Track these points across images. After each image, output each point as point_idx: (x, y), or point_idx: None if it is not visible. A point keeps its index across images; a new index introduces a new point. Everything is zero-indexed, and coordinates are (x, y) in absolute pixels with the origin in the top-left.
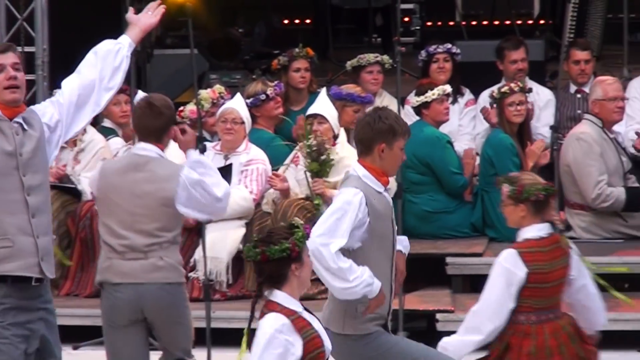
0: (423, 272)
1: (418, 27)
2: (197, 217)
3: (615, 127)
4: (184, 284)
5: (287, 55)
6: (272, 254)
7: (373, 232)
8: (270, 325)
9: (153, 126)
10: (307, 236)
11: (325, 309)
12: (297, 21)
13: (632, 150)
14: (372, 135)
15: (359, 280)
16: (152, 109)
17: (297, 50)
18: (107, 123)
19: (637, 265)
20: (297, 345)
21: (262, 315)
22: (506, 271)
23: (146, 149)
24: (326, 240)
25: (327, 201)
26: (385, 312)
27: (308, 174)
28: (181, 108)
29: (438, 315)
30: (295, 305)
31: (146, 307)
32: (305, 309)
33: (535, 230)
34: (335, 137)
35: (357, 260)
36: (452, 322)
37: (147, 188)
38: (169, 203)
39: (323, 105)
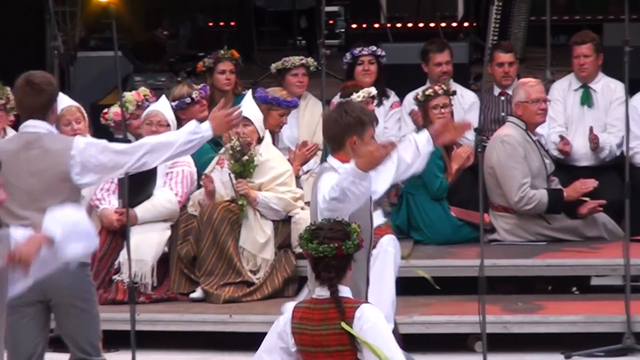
0: None
1: (343, 30)
2: (103, 179)
3: (539, 129)
4: (88, 266)
5: (212, 57)
6: (348, 248)
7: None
8: (379, 314)
9: (36, 103)
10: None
11: None
12: (221, 23)
13: (555, 153)
14: (341, 130)
15: (340, 185)
16: (33, 87)
17: (222, 52)
18: None
19: (559, 267)
20: None
21: (350, 310)
22: (394, 256)
23: (35, 125)
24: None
25: (252, 202)
26: None
27: (232, 175)
28: (105, 110)
29: None
30: None
31: (49, 287)
32: None
33: (381, 217)
34: (260, 139)
35: None
36: None
37: (41, 165)
38: (66, 177)
39: (248, 107)
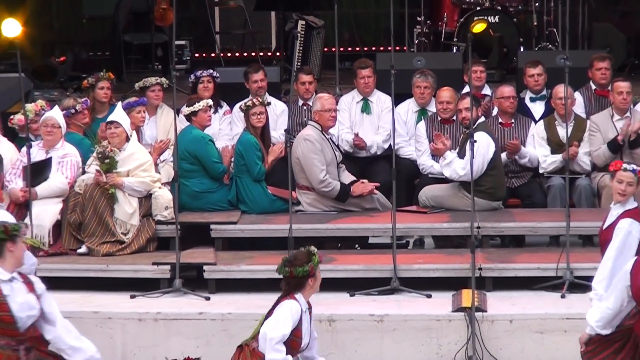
0: (194, 236)
1: (188, 58)
2: None
3: (331, 130)
4: None
5: (94, 77)
6: (297, 273)
7: None
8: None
9: None
10: (320, 261)
11: None
12: (99, 53)
13: (346, 147)
14: None
15: None
16: None
17: (101, 74)
18: None
19: (346, 230)
20: None
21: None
22: None
23: None
24: None
25: (120, 187)
26: None
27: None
28: (12, 117)
29: (205, 267)
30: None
31: None
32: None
33: None
34: (129, 137)
35: None
36: (214, 271)
37: None
38: None
39: (118, 114)
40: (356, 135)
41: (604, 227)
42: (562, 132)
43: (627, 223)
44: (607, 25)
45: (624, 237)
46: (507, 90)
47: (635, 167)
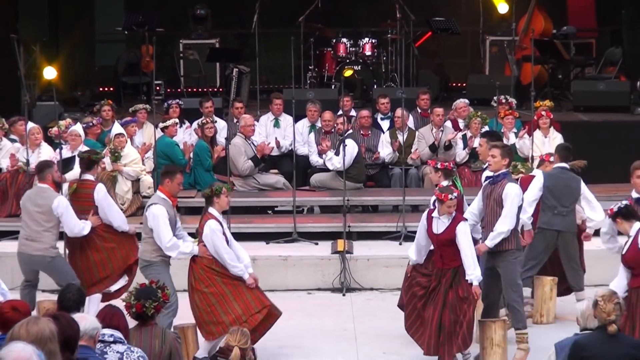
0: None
1: (163, 92)
2: None
3: (252, 138)
4: None
5: (99, 104)
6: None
7: None
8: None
9: None
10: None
11: None
12: (106, 89)
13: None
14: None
15: None
16: None
17: (103, 101)
18: (12, 136)
19: (264, 201)
20: None
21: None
22: None
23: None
24: None
25: (120, 172)
26: None
27: (110, 161)
28: (50, 129)
29: None
30: None
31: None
32: None
33: None
34: (126, 141)
35: None
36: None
37: None
38: None
39: (120, 129)
40: (270, 143)
41: (439, 231)
42: (400, 138)
43: (464, 224)
44: (427, 71)
45: (468, 230)
46: (365, 113)
47: (454, 195)
